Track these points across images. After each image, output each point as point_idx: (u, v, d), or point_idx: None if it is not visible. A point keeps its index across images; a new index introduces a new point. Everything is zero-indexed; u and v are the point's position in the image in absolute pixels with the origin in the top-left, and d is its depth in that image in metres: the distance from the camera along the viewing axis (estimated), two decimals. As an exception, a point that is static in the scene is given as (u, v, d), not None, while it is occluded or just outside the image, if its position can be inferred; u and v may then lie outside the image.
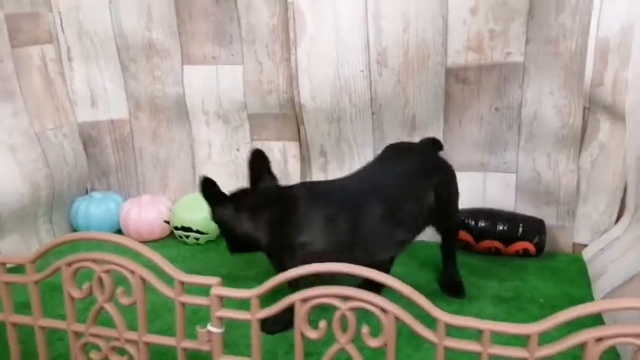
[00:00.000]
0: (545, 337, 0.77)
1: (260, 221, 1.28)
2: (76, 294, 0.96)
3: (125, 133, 1.92)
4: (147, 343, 0.95)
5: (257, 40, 1.74)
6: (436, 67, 1.59)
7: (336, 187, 1.35)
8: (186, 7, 1.75)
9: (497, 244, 1.61)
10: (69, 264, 0.95)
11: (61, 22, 1.79)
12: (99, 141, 1.92)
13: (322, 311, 0.85)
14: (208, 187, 1.32)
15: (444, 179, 1.38)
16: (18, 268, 1.02)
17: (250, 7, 1.70)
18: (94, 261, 0.93)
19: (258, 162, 1.34)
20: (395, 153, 1.43)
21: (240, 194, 1.34)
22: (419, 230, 1.35)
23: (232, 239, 1.36)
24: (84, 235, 0.97)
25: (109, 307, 0.95)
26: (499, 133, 1.64)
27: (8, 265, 1.02)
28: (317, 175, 1.82)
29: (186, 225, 1.76)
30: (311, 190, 1.35)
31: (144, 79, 1.84)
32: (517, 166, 1.65)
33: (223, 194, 1.33)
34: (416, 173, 1.34)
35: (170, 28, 1.77)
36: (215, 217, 1.35)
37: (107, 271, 0.93)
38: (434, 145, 1.49)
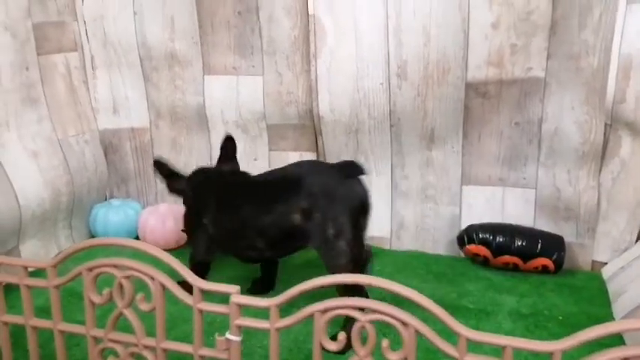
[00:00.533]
0: (565, 357, 0.76)
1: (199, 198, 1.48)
2: (97, 299, 0.96)
3: (145, 141, 1.95)
4: (164, 350, 0.95)
5: (277, 52, 1.76)
6: (456, 81, 1.59)
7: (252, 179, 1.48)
8: (209, 18, 1.77)
9: (515, 259, 1.59)
10: (90, 269, 0.96)
11: (86, 32, 1.82)
12: (119, 148, 1.95)
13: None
14: (160, 166, 1.56)
15: (318, 203, 1.26)
16: (37, 272, 1.03)
17: (272, 18, 1.72)
18: (115, 266, 0.93)
19: (228, 146, 1.56)
20: (298, 166, 1.43)
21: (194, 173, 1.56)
22: (282, 244, 1.36)
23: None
24: (106, 241, 0.98)
25: (128, 313, 0.95)
26: (519, 148, 1.63)
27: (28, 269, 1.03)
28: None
29: (203, 233, 1.77)
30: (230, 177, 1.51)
31: (165, 88, 1.87)
32: (537, 182, 1.64)
33: (173, 171, 1.57)
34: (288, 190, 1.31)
35: (192, 38, 1.80)
36: (170, 190, 1.57)
37: (127, 277, 0.93)
38: (348, 168, 1.34)
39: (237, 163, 1.56)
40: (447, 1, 1.52)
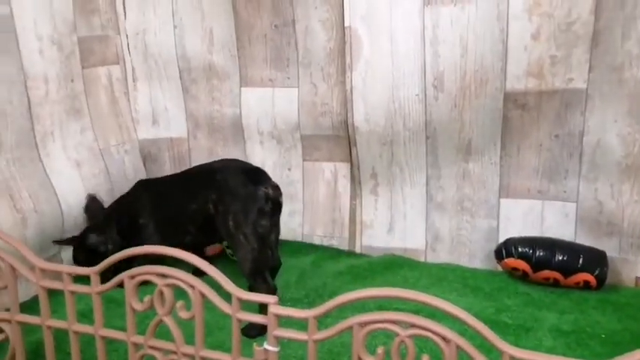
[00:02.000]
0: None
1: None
2: (138, 306, 0.98)
3: (183, 151, 1.99)
4: (203, 358, 0.96)
5: (313, 64, 1.77)
6: (494, 92, 1.57)
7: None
8: (246, 32, 1.81)
9: (556, 274, 1.55)
10: (132, 276, 0.98)
11: (128, 45, 1.88)
12: (158, 158, 1.99)
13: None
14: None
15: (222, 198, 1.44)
16: (80, 278, 1.06)
17: (308, 31, 1.74)
18: (157, 274, 0.95)
19: (93, 207, 1.66)
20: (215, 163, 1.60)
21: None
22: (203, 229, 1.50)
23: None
24: (148, 250, 1.00)
25: (168, 321, 0.97)
26: (559, 161, 1.59)
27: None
28: (367, 197, 1.82)
29: (237, 243, 1.79)
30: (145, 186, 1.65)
31: (203, 99, 1.91)
32: (578, 195, 1.60)
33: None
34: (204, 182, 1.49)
35: (230, 51, 1.83)
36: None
37: (168, 285, 0.95)
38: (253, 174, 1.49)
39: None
40: (485, 12, 1.51)
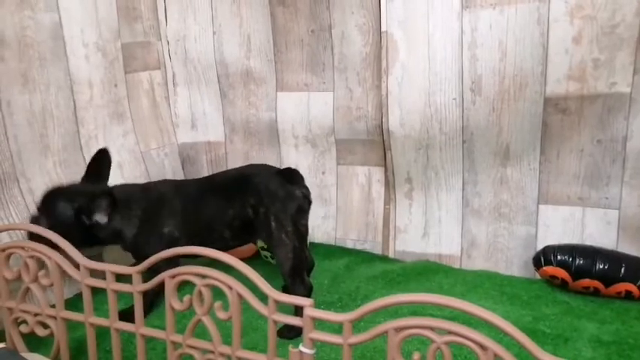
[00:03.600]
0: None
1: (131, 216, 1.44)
2: (177, 305, 1.01)
3: (220, 155, 2.02)
4: (239, 358, 0.98)
5: (349, 68, 1.78)
6: (534, 96, 1.54)
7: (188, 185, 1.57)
8: (283, 37, 1.83)
9: (596, 283, 1.51)
10: (173, 276, 1.00)
11: (169, 51, 1.93)
12: (196, 161, 2.03)
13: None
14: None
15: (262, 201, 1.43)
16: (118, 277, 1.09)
17: (344, 36, 1.75)
18: (197, 275, 0.98)
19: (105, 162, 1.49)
20: (246, 169, 1.57)
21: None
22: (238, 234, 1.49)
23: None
24: (189, 250, 1.03)
25: (206, 320, 0.99)
26: (601, 167, 1.55)
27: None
28: (401, 202, 1.82)
29: (272, 246, 1.81)
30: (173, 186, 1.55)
31: (240, 104, 1.94)
32: (620, 202, 1.55)
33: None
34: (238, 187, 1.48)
35: (267, 57, 1.86)
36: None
37: (207, 285, 0.97)
38: (288, 175, 1.48)
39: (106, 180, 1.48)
40: (525, 16, 1.49)
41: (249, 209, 1.45)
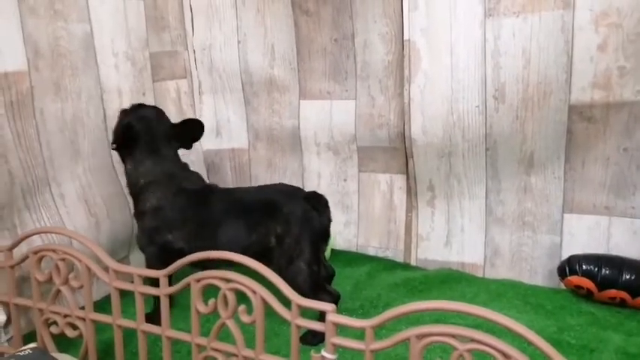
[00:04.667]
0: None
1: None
2: (202, 309, 1.03)
3: (244, 161, 2.05)
4: (262, 362, 0.99)
5: (371, 76, 1.80)
6: (558, 104, 1.53)
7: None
8: (306, 46, 1.86)
9: (623, 294, 1.48)
10: (198, 280, 1.03)
11: (195, 60, 1.97)
12: (220, 167, 2.07)
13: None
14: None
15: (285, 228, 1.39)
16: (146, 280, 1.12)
17: (367, 45, 1.77)
18: (221, 279, 0.99)
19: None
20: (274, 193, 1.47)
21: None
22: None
23: None
24: (213, 255, 1.05)
25: (231, 324, 1.01)
26: (627, 175, 1.53)
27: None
28: (423, 210, 1.81)
29: (294, 252, 1.82)
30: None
31: (264, 112, 1.97)
32: (647, 212, 1.53)
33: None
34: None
35: (290, 65, 1.89)
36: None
37: (232, 289, 0.99)
38: (313, 200, 1.43)
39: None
40: (549, 24, 1.48)
41: (273, 238, 1.39)
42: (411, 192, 1.83)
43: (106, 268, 1.15)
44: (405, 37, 1.66)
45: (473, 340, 0.79)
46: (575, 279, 1.52)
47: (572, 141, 1.57)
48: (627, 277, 1.48)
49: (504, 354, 0.77)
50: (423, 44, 1.64)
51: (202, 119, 2.02)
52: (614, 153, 1.53)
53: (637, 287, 1.47)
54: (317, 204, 1.44)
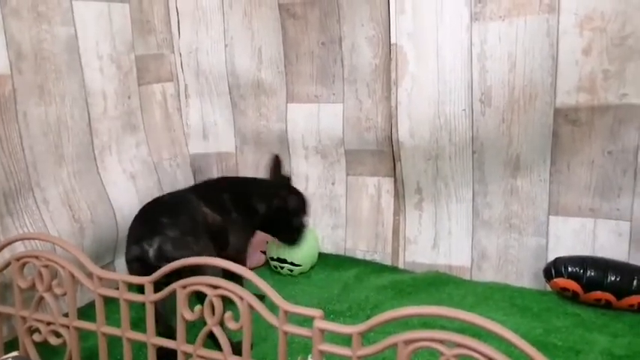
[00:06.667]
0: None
1: None
2: (188, 316, 1.02)
3: (231, 165, 2.04)
4: (249, 369, 0.99)
5: (358, 80, 1.80)
6: (544, 107, 1.55)
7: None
8: (294, 49, 1.85)
9: (608, 296, 1.49)
10: (184, 287, 1.02)
11: (182, 63, 1.96)
12: (207, 171, 2.05)
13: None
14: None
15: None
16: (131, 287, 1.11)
17: (354, 48, 1.77)
18: (208, 285, 0.99)
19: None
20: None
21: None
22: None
23: None
24: (200, 261, 1.04)
25: (217, 331, 1.00)
26: (612, 178, 1.54)
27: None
28: (411, 213, 1.82)
29: (281, 256, 1.81)
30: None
31: (251, 115, 1.96)
32: (632, 214, 1.54)
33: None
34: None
35: (278, 68, 1.88)
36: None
37: (218, 296, 0.98)
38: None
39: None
40: (534, 28, 1.50)
41: None
42: (398, 195, 1.83)
43: (90, 275, 1.13)
44: (392, 40, 1.66)
45: (459, 345, 0.79)
46: (561, 281, 1.53)
47: (558, 144, 1.58)
48: (612, 278, 1.49)
49: (490, 358, 0.77)
50: (410, 48, 1.65)
51: (189, 122, 2.02)
52: (599, 156, 1.55)
53: (622, 289, 1.48)
54: None
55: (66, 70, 1.52)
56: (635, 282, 1.48)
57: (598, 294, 1.50)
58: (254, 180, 1.77)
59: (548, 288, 1.61)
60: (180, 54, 1.95)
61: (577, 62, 1.48)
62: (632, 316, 1.48)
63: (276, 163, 1.75)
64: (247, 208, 1.60)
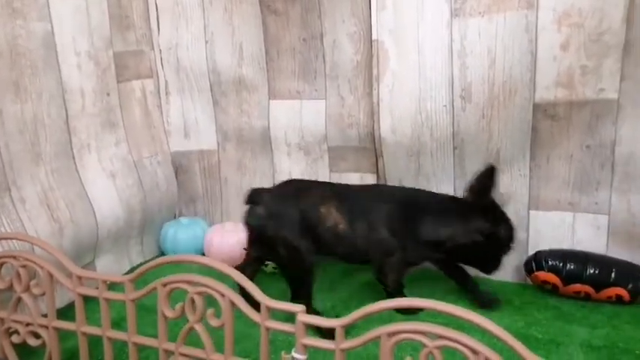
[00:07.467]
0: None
1: None
2: (170, 313, 1.01)
3: (213, 163, 2.03)
4: (232, 366, 0.98)
5: (340, 76, 1.80)
6: (523, 103, 1.56)
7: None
8: (275, 45, 1.84)
9: (587, 288, 1.52)
10: (164, 284, 1.01)
11: (161, 59, 1.94)
12: (189, 169, 2.04)
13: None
14: None
15: None
16: (110, 286, 1.09)
17: (335, 44, 1.76)
18: (189, 282, 0.98)
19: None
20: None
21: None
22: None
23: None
24: (184, 258, 1.03)
25: (199, 328, 0.99)
26: (590, 172, 1.57)
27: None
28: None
29: (265, 253, 1.80)
30: None
31: (232, 112, 1.95)
32: (610, 207, 1.57)
33: None
34: None
35: (259, 65, 1.87)
36: None
37: (199, 293, 0.97)
38: None
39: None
40: (513, 24, 1.51)
41: None
42: (381, 191, 1.83)
43: (69, 275, 1.11)
44: (374, 37, 1.66)
45: (442, 337, 0.80)
46: (541, 274, 1.56)
47: (537, 139, 1.60)
48: (591, 271, 1.51)
49: (473, 350, 0.78)
50: (391, 44, 1.65)
51: (169, 120, 2.00)
52: (577, 150, 1.57)
53: (600, 281, 1.51)
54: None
55: (42, 66, 1.50)
56: (613, 274, 1.50)
57: (577, 286, 1.53)
58: (454, 199, 1.56)
59: (529, 281, 1.63)
60: (160, 50, 1.93)
61: (555, 58, 1.50)
62: (610, 307, 1.51)
63: (488, 178, 1.46)
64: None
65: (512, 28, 1.51)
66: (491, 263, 1.52)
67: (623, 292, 1.50)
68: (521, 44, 1.52)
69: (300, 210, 1.45)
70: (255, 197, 1.48)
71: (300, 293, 1.40)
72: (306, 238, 1.43)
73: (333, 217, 1.46)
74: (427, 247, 1.48)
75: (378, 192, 1.61)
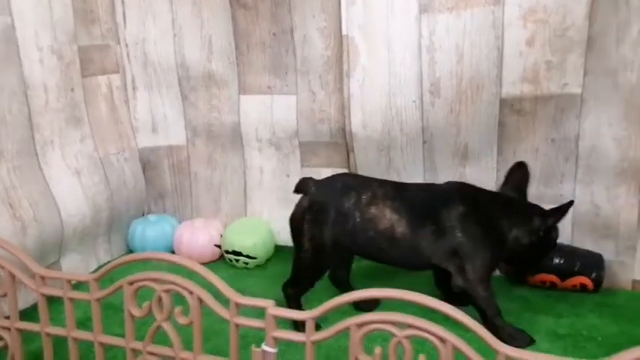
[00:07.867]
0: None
1: None
2: (136, 312, 0.99)
3: (182, 159, 2.00)
4: (202, 364, 0.97)
5: (311, 71, 1.79)
6: (490, 98, 1.58)
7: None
8: (245, 39, 1.82)
9: (552, 277, 1.56)
10: (131, 283, 0.99)
11: (128, 54, 1.90)
12: (157, 165, 2.00)
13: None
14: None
15: None
16: (77, 285, 1.07)
17: (306, 39, 1.76)
18: (156, 280, 0.96)
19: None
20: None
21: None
22: None
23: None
24: (150, 255, 1.01)
25: (167, 326, 0.98)
26: (555, 165, 1.60)
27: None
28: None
29: (236, 249, 1.80)
30: None
31: (202, 107, 1.92)
32: (574, 199, 1.61)
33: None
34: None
35: (229, 59, 1.85)
36: None
37: (167, 291, 0.96)
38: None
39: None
40: (480, 20, 1.53)
41: None
42: (352, 186, 1.84)
43: (32, 275, 1.08)
44: (344, 32, 1.66)
45: (411, 327, 0.80)
46: (509, 265, 1.58)
47: (504, 133, 1.62)
48: (556, 261, 1.55)
49: (440, 338, 0.79)
50: (361, 39, 1.65)
51: (137, 115, 1.96)
52: (542, 144, 1.60)
53: (566, 270, 1.55)
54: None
55: (3, 61, 1.45)
56: (577, 263, 1.54)
57: (543, 276, 1.56)
58: (510, 199, 1.46)
59: (497, 272, 1.66)
60: (127, 44, 1.89)
61: (521, 53, 1.52)
62: (575, 296, 1.55)
63: (523, 176, 1.45)
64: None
65: (479, 24, 1.53)
66: (535, 263, 1.48)
67: (587, 281, 1.54)
68: (488, 40, 1.54)
69: (343, 209, 1.36)
70: (302, 187, 1.46)
71: (298, 283, 1.42)
72: (340, 241, 1.36)
73: (387, 218, 1.35)
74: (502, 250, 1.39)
75: (440, 191, 1.46)
